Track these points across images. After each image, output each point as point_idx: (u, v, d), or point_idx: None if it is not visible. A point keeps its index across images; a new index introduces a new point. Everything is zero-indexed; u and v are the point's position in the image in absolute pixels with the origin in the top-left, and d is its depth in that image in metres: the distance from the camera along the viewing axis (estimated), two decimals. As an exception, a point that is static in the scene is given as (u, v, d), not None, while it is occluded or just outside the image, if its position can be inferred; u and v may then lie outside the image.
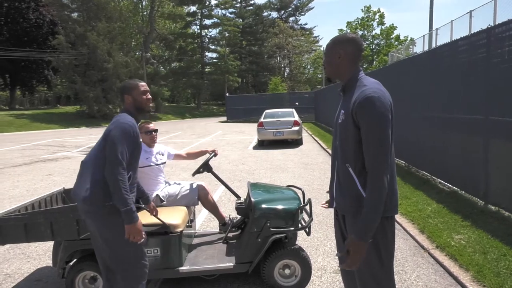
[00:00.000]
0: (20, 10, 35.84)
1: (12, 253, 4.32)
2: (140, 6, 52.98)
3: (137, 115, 2.50)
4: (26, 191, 7.52)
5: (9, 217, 2.89)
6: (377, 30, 48.07)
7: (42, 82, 42.30)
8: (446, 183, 6.05)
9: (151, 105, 2.52)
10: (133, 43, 49.96)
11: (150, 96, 2.51)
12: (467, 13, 15.08)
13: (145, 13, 52.81)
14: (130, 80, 2.54)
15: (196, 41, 56.10)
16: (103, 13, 36.34)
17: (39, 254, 4.26)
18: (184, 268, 3.11)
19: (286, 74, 62.51)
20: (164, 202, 3.55)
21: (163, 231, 3.05)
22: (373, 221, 1.71)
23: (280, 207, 3.13)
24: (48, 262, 3.99)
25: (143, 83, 2.51)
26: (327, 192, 2.29)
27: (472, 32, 5.89)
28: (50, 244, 4.33)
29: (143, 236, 2.36)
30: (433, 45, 18.10)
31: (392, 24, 47.27)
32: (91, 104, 33.91)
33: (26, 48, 35.24)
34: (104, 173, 2.30)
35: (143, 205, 3.12)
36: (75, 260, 3.09)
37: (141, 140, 2.49)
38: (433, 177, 6.54)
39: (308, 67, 61.73)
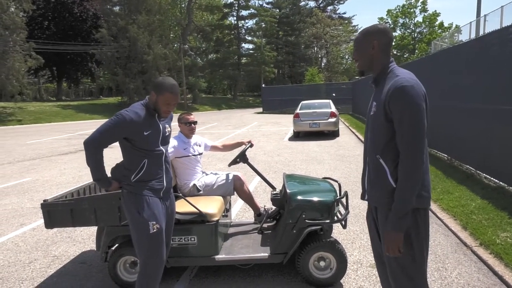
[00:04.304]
0: (66, 5, 37.50)
1: (59, 236, 4.58)
2: (179, -2, 53.74)
3: (153, 111, 2.41)
4: (72, 178, 7.92)
5: (57, 203, 3.06)
6: (419, 18, 46.08)
7: (86, 74, 44.21)
8: (492, 178, 5.75)
9: (167, 112, 2.39)
10: (171, 35, 50.84)
11: (170, 110, 2.38)
12: (520, -3, 14.12)
13: (183, 5, 53.47)
14: (167, 82, 2.34)
15: (232, 32, 56.21)
16: (143, 6, 37.19)
17: (83, 238, 4.48)
18: (220, 256, 3.16)
19: (323, 64, 61.45)
20: (201, 192, 3.62)
21: (200, 220, 3.12)
22: (404, 210, 1.71)
23: (315, 199, 3.10)
24: (92, 246, 4.20)
25: (174, 95, 2.33)
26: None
27: (525, 17, 5.51)
28: (94, 229, 4.54)
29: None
30: (481, 33, 17.13)
31: (435, 10, 45.10)
32: (131, 96, 35.00)
33: (71, 42, 36.88)
34: (123, 156, 2.47)
35: (180, 194, 3.20)
36: (117, 245, 3.23)
37: (146, 133, 2.34)
38: (478, 171, 6.23)
39: (346, 57, 60.33)
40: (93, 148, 2.35)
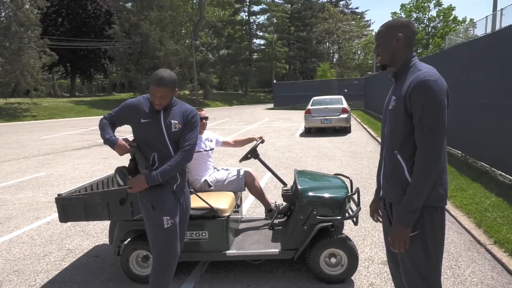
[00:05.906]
0: (79, 1, 37.85)
1: (73, 230, 4.65)
2: (190, -6, 53.76)
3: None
4: (85, 173, 8.03)
5: (71, 197, 3.10)
6: (433, 12, 45.35)
7: (99, 70, 44.62)
8: (507, 175, 5.65)
9: (156, 104, 2.40)
10: (183, 31, 50.97)
11: (156, 102, 2.38)
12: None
13: (194, 1, 53.52)
14: (157, 74, 2.36)
15: (244, 28, 56.16)
16: (155, 2, 37.37)
17: (97, 232, 4.55)
18: (231, 252, 3.17)
19: (335, 60, 61.02)
20: (212, 187, 3.64)
21: (211, 215, 3.13)
22: (415, 207, 1.69)
23: (327, 195, 3.09)
24: (105, 240, 4.26)
25: (156, 88, 2.33)
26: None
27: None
28: (107, 223, 4.61)
29: (127, 147, 2.42)
30: (497, 27, 16.78)
31: (450, 4, 44.37)
32: (144, 91, 35.22)
33: (85, 38, 37.26)
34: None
35: (191, 189, 3.21)
36: (129, 239, 3.27)
37: (144, 120, 2.41)
38: (493, 168, 6.13)
39: (359, 52, 59.80)
40: (100, 122, 2.54)
